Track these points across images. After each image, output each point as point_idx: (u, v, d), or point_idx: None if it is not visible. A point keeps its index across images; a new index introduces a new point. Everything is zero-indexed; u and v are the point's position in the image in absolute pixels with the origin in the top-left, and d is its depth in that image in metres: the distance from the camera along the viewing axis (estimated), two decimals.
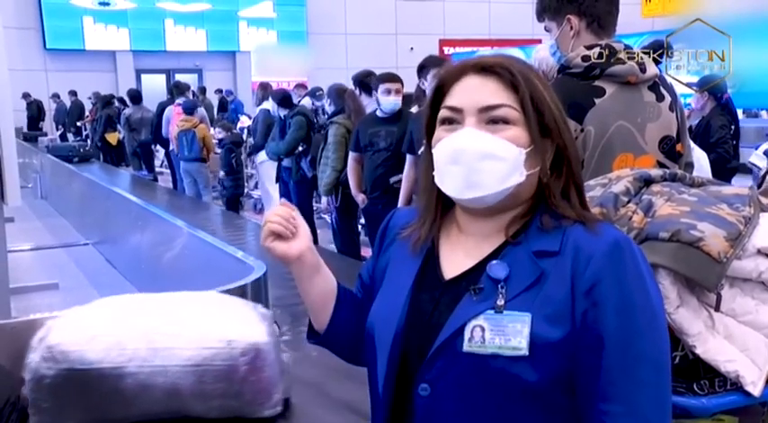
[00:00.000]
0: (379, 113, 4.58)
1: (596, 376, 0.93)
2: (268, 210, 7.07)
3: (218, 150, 8.26)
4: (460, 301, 0.98)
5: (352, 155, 4.77)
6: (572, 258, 0.95)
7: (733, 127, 4.90)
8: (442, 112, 1.02)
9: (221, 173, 7.82)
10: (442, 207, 1.06)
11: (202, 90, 14.18)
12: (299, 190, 5.82)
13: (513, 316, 0.94)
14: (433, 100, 1.04)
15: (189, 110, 8.22)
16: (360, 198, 4.69)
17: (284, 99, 6.25)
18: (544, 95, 0.99)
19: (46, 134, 14.06)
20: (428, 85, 4.12)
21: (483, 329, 0.94)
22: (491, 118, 0.98)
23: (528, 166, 0.98)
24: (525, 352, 0.92)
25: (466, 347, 0.94)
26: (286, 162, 6.04)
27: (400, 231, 1.11)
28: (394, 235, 1.13)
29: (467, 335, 0.95)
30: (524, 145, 0.98)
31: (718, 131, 4.69)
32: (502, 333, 0.93)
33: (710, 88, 4.53)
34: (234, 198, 7.62)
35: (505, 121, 0.98)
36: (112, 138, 11.53)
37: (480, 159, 0.97)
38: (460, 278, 1.01)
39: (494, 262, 0.99)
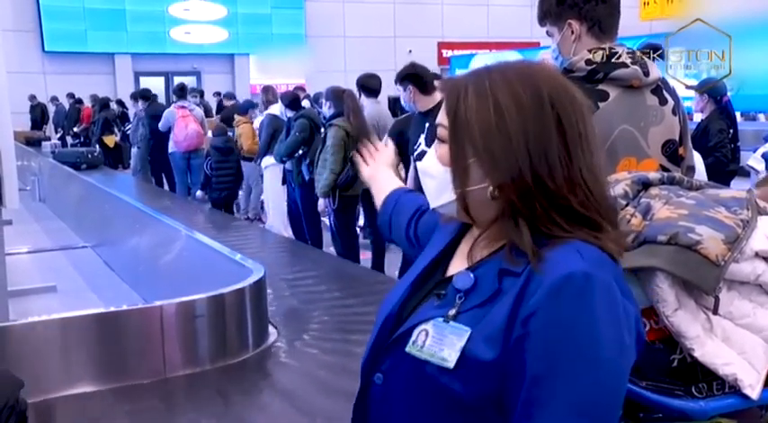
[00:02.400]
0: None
1: (515, 406, 0.90)
2: (270, 215, 7.08)
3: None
4: (428, 301, 1.01)
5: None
6: (522, 283, 0.92)
7: (731, 130, 4.90)
8: None
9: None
10: None
11: (200, 92, 14.16)
12: (302, 193, 5.80)
13: (455, 328, 0.94)
14: None
15: (243, 109, 8.49)
16: None
17: (293, 101, 6.25)
18: (471, 121, 0.96)
19: (49, 138, 13.91)
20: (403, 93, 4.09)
21: (427, 335, 0.96)
22: (435, 135, 1.03)
23: (457, 185, 0.98)
24: (450, 365, 0.92)
25: (407, 348, 0.97)
26: (288, 165, 6.03)
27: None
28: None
29: (413, 336, 0.97)
30: (448, 164, 1.00)
31: (717, 135, 4.69)
32: (439, 342, 0.94)
33: (710, 90, 4.53)
34: (219, 201, 7.57)
35: (441, 140, 1.01)
36: (110, 140, 11.50)
37: (422, 176, 1.06)
38: (448, 280, 1.03)
39: (462, 272, 0.99)
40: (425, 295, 1.04)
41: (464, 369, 0.91)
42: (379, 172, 1.55)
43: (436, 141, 1.03)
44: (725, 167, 4.70)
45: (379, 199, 1.51)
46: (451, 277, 1.02)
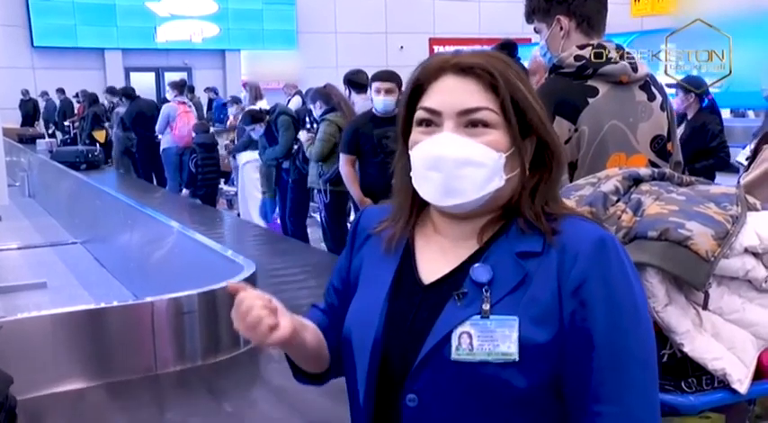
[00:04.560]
0: (377, 113, 4.34)
1: (587, 377, 0.91)
2: (251, 207, 7.09)
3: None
4: (444, 306, 0.95)
5: (346, 157, 4.42)
6: (557, 257, 0.93)
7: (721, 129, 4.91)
8: (420, 113, 0.98)
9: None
10: (418, 205, 1.03)
11: (191, 88, 14.11)
12: (295, 188, 5.80)
13: (500, 320, 0.91)
14: (409, 98, 1.01)
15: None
16: (368, 203, 4.35)
17: (254, 118, 6.22)
18: (525, 94, 0.96)
19: (43, 136, 13.58)
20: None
21: (470, 336, 0.92)
22: (470, 121, 0.95)
23: (507, 170, 0.96)
24: (515, 357, 0.90)
25: (454, 355, 0.92)
26: (286, 164, 6.03)
27: (374, 228, 1.08)
28: (366, 235, 1.09)
29: (454, 342, 0.92)
30: (504, 149, 0.95)
31: (719, 136, 4.68)
32: (490, 339, 0.91)
33: (697, 88, 4.51)
34: (205, 198, 7.52)
35: (485, 125, 0.95)
36: (100, 135, 11.39)
37: (460, 166, 0.94)
38: (441, 282, 0.98)
39: (476, 265, 0.96)
40: (419, 304, 0.98)
41: (526, 357, 0.91)
42: (296, 332, 1.01)
43: (469, 129, 0.95)
44: (727, 166, 4.70)
45: (312, 355, 1.08)
46: (444, 279, 0.98)
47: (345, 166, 4.44)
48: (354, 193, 4.46)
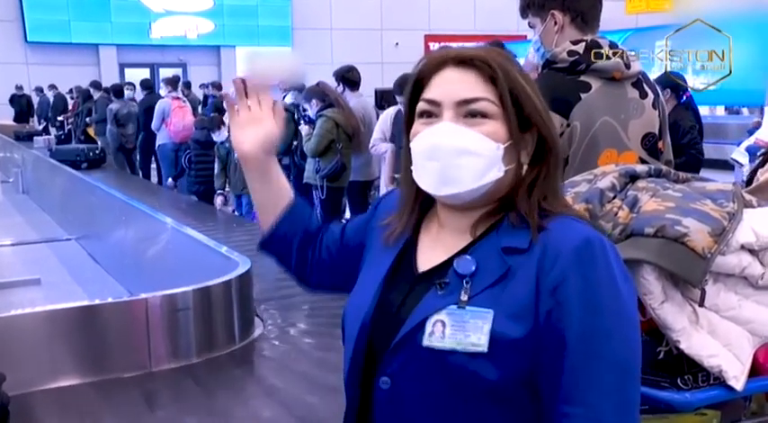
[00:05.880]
0: None
1: (558, 377, 0.91)
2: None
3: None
4: (426, 294, 0.97)
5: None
6: (539, 255, 0.93)
7: (697, 126, 4.82)
8: (420, 105, 1.00)
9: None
10: (425, 200, 1.04)
11: (187, 84, 14.07)
12: (297, 185, 5.79)
13: (475, 312, 0.92)
14: (412, 92, 1.02)
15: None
16: None
17: None
18: (525, 88, 0.98)
19: (41, 133, 13.39)
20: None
21: (444, 324, 0.93)
22: (469, 112, 0.96)
23: (506, 162, 0.96)
24: (484, 349, 0.90)
25: (425, 342, 0.93)
26: (285, 161, 6.02)
27: (383, 219, 1.10)
28: (381, 220, 1.12)
29: (428, 329, 0.93)
30: (502, 140, 0.96)
31: (690, 132, 4.60)
32: (462, 329, 0.92)
33: (673, 84, 4.46)
34: (198, 195, 7.48)
35: (483, 115, 0.96)
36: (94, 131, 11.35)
37: (456, 155, 0.95)
38: (432, 272, 1.00)
39: (462, 257, 0.97)
40: (408, 292, 1.00)
41: (497, 350, 0.91)
42: (268, 155, 1.17)
43: (468, 119, 0.96)
44: (700, 164, 4.64)
45: (271, 202, 1.20)
46: (435, 269, 1.00)
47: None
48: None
